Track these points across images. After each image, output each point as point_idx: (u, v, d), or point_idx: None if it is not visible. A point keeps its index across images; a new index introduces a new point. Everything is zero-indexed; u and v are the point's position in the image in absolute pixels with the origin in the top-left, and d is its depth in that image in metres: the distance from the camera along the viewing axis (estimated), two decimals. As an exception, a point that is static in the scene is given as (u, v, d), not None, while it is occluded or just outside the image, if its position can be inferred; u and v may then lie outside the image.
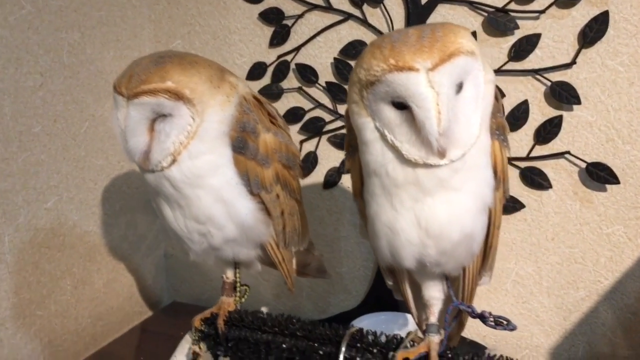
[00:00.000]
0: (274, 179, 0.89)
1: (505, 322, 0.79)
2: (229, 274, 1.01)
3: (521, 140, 1.19)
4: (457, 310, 0.85)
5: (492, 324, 0.78)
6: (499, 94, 0.73)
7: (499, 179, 0.73)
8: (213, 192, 0.84)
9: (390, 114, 0.66)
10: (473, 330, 1.32)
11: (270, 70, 1.38)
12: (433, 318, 0.83)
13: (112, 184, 1.42)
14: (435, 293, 0.83)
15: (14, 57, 1.13)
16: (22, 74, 1.15)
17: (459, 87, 0.65)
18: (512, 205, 1.21)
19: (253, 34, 1.38)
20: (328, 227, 1.42)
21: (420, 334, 0.85)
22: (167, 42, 1.49)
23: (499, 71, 1.16)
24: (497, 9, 1.14)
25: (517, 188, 1.21)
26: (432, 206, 0.68)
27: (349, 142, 0.77)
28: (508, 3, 1.13)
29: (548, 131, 1.15)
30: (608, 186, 1.14)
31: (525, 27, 1.14)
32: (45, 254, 1.24)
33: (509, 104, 1.18)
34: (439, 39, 0.62)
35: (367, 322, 1.25)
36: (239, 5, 1.38)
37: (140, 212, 1.50)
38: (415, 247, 0.72)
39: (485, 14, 1.15)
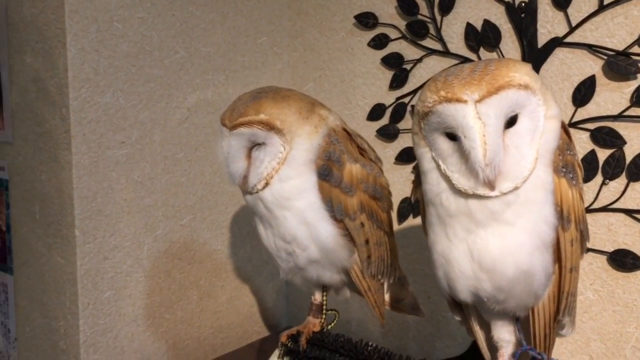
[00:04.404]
0: (358, 207, 0.95)
1: (575, 374, 0.74)
2: (317, 296, 1.07)
3: (644, 191, 1.09)
4: (530, 358, 0.81)
5: (561, 374, 0.74)
6: (569, 130, 0.71)
7: (567, 218, 0.70)
8: (298, 214, 0.92)
9: (443, 144, 0.68)
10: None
11: (388, 111, 1.44)
12: (502, 361, 0.81)
13: (242, 210, 1.57)
14: (504, 335, 0.80)
15: (165, 94, 1.34)
16: (172, 108, 1.36)
17: (512, 119, 0.65)
18: (632, 262, 1.11)
19: (375, 78, 1.47)
20: (436, 269, 1.41)
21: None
22: (301, 84, 1.63)
23: (620, 117, 1.10)
24: (618, 52, 1.08)
25: (638, 243, 1.11)
26: (485, 238, 0.68)
27: (417, 174, 0.80)
28: (630, 46, 1.07)
29: (675, 182, 1.05)
30: None
31: (650, 71, 1.06)
32: (177, 265, 1.42)
33: (630, 152, 1.10)
34: (489, 72, 0.64)
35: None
36: (364, 51, 1.48)
37: (266, 239, 1.64)
38: (470, 280, 0.71)
39: (605, 57, 1.10)
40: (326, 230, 0.92)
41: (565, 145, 0.70)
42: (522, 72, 0.65)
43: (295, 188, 0.91)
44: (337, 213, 0.92)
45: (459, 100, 0.64)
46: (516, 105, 0.65)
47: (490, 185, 0.65)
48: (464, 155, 0.66)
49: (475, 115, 0.63)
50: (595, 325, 1.18)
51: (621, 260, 1.12)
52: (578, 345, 1.20)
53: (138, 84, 1.29)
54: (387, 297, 1.15)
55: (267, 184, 0.91)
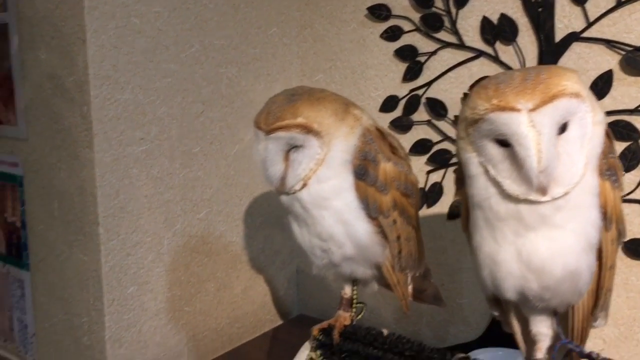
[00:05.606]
0: (391, 205, 0.97)
1: (614, 366, 0.77)
2: (347, 290, 1.09)
3: (659, 182, 1.13)
4: (567, 350, 0.85)
5: (599, 365, 0.78)
6: (612, 134, 0.73)
7: (610, 219, 0.73)
8: (335, 213, 0.93)
9: (494, 150, 0.70)
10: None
11: (401, 103, 1.46)
12: (540, 354, 0.84)
13: (255, 201, 1.58)
14: (543, 329, 0.84)
15: (182, 88, 1.33)
16: (188, 102, 1.35)
17: (563, 127, 0.67)
18: (646, 250, 1.15)
19: (388, 69, 1.47)
20: (450, 258, 1.45)
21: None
22: (311, 75, 1.63)
23: (636, 111, 1.13)
24: (636, 48, 1.11)
25: (652, 232, 1.15)
26: (534, 241, 0.71)
27: (459, 176, 0.82)
28: (648, 41, 1.10)
29: (690, 174, 1.09)
30: None
31: (668, 66, 1.09)
32: (195, 258, 1.43)
33: (647, 145, 1.13)
34: (542, 81, 0.66)
35: (484, 357, 1.25)
36: (377, 43, 1.48)
37: (277, 229, 1.65)
38: (517, 279, 0.74)
39: (623, 53, 1.13)
40: (362, 228, 0.94)
41: (608, 148, 0.72)
42: (573, 81, 0.67)
43: (333, 188, 0.92)
44: (372, 211, 0.94)
45: (512, 109, 0.65)
46: (567, 113, 0.67)
47: (543, 191, 0.67)
48: (517, 162, 0.68)
49: (529, 124, 0.65)
50: (610, 311, 1.22)
51: (636, 249, 1.16)
52: (592, 329, 1.25)
53: (155, 79, 1.28)
54: (410, 288, 1.18)
55: (305, 185, 0.92)
